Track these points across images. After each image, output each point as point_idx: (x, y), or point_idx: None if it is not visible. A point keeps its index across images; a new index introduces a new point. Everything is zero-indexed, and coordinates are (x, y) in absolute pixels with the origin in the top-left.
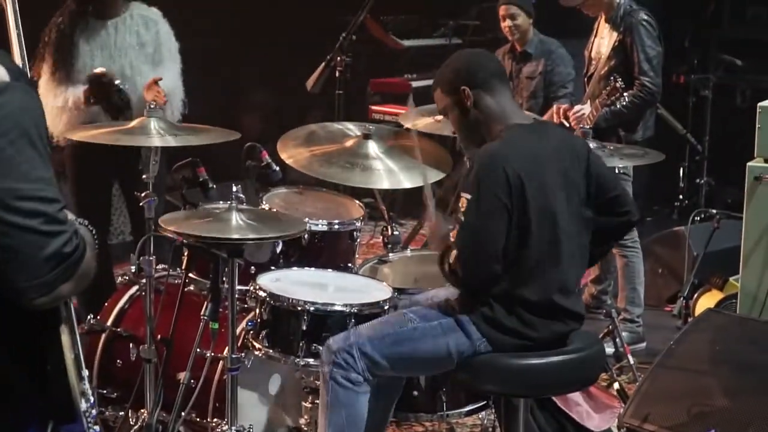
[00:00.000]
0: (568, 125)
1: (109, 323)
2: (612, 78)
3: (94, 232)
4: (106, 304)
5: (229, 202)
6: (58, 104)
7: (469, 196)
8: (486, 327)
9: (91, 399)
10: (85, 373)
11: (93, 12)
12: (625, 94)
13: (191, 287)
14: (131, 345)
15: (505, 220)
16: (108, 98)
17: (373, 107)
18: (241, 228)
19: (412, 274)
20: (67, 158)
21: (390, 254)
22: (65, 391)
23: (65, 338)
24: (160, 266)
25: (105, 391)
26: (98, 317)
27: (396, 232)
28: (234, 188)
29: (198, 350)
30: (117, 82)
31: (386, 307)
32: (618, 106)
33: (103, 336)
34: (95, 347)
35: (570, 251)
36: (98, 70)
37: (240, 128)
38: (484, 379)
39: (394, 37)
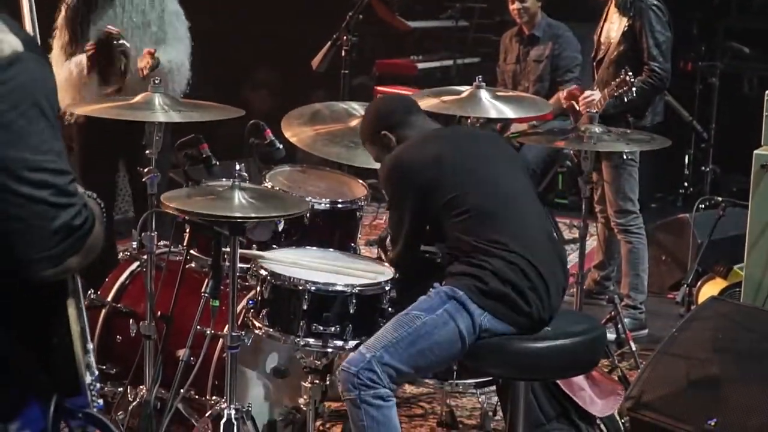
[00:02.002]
0: (575, 109)
1: (109, 299)
2: (623, 71)
3: (102, 205)
4: (107, 279)
5: (231, 180)
6: (62, 76)
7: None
8: (481, 298)
9: (96, 372)
10: (90, 346)
11: None
12: (634, 88)
13: (192, 264)
14: (131, 321)
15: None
16: (110, 58)
17: (378, 88)
18: (243, 207)
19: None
20: (75, 133)
21: None
22: (70, 364)
23: (72, 311)
24: (161, 243)
25: (104, 367)
26: (99, 292)
27: None
28: (237, 166)
29: (198, 327)
30: (122, 41)
31: (387, 288)
32: (629, 95)
33: (103, 311)
34: (95, 322)
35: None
36: (109, 28)
37: (244, 106)
38: (487, 363)
39: (400, 18)
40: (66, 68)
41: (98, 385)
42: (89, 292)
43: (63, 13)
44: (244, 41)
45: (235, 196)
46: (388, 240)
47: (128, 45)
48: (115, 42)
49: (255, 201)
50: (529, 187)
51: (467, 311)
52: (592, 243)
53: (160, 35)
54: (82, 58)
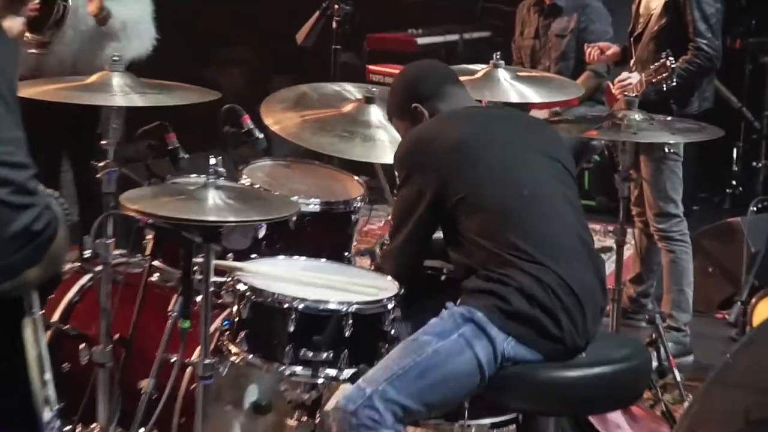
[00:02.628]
0: (610, 92)
1: (54, 319)
2: (664, 54)
3: (66, 206)
4: (51, 296)
5: (205, 177)
6: None
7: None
8: (504, 320)
9: (56, 407)
10: (48, 376)
11: None
12: (675, 75)
13: (155, 278)
14: (82, 346)
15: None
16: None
17: (372, 67)
18: (218, 209)
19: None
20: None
21: None
22: (24, 393)
23: (28, 332)
24: (117, 252)
25: None
26: (42, 312)
27: None
28: (212, 160)
29: (164, 354)
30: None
31: (390, 307)
32: (670, 83)
33: (48, 334)
34: None
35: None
36: None
37: (216, 87)
38: (509, 395)
39: None
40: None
41: (58, 422)
42: None
43: None
44: (217, 12)
45: (209, 195)
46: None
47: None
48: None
49: (233, 202)
50: (567, 186)
51: (487, 336)
52: (627, 252)
53: None
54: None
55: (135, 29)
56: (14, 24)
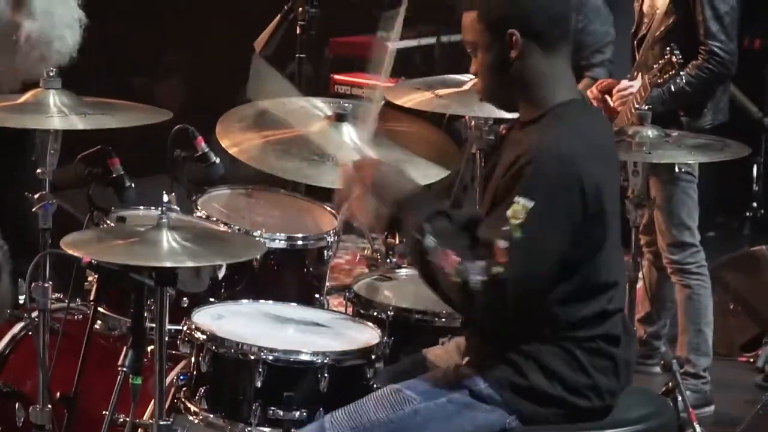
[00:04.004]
0: (607, 104)
1: None
2: (668, 49)
3: (5, 248)
4: None
5: (157, 217)
6: None
7: (528, 203)
8: (514, 397)
9: None
10: None
11: None
12: (682, 72)
13: (98, 326)
14: (17, 405)
15: (570, 240)
16: None
17: (337, 77)
18: (175, 252)
19: (424, 296)
20: None
21: (399, 270)
22: None
23: None
24: (54, 296)
25: None
26: None
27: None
28: (165, 197)
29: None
30: None
31: (373, 357)
32: (678, 84)
33: None
34: None
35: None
36: None
37: (165, 105)
38: None
39: None
40: None
41: None
42: None
43: None
44: (163, 17)
45: (162, 237)
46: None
47: None
48: None
49: (189, 244)
50: None
51: (485, 407)
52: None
53: None
54: None
55: (36, 39)
56: None
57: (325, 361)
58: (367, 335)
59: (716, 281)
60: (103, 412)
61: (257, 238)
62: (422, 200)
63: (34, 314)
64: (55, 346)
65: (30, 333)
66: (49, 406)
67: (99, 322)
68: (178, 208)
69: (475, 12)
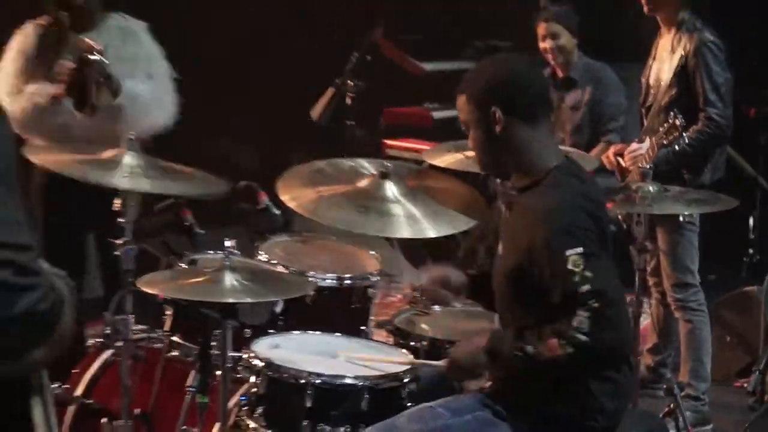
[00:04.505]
0: (620, 165)
1: (77, 393)
2: (672, 114)
3: (73, 286)
4: (74, 370)
5: (221, 260)
6: (17, 107)
7: (578, 250)
8: (529, 417)
9: None
10: None
11: (69, 24)
12: (685, 134)
13: (175, 353)
14: (103, 421)
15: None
16: (85, 86)
17: (388, 142)
18: (236, 290)
19: (457, 329)
20: (35, 192)
21: (434, 306)
22: None
23: (37, 413)
24: (138, 327)
25: None
26: (65, 386)
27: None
28: (227, 242)
29: (183, 428)
30: (101, 58)
31: (406, 380)
32: (681, 145)
33: (71, 409)
34: (60, 422)
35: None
36: (89, 41)
37: (232, 161)
38: None
39: (412, 59)
40: (24, 99)
41: None
42: (53, 386)
43: (21, 40)
44: (232, 88)
45: (225, 277)
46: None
47: (107, 63)
48: (92, 58)
49: (248, 283)
50: None
51: (504, 429)
52: (644, 322)
53: (130, 70)
54: (45, 87)
55: (142, 106)
56: (41, 90)
57: (365, 383)
58: (402, 361)
59: (715, 317)
60: (183, 427)
61: (309, 278)
62: (497, 343)
63: (118, 343)
64: (137, 370)
65: (117, 359)
66: (130, 422)
67: (176, 350)
68: (239, 252)
69: (464, 94)
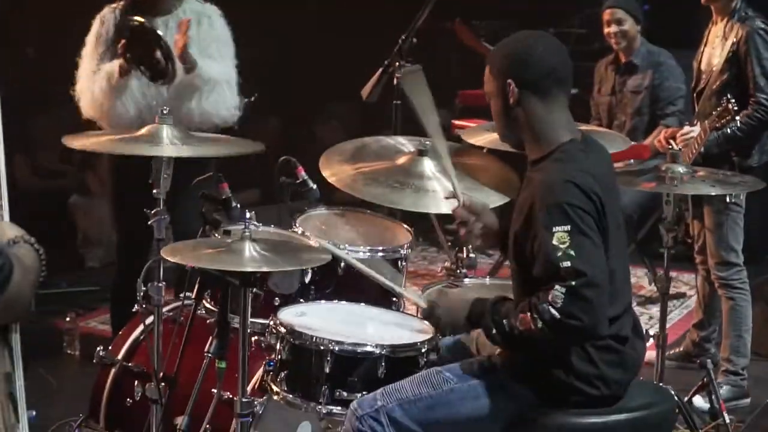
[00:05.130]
0: (675, 148)
1: (120, 356)
2: (725, 99)
3: (41, 252)
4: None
5: (241, 231)
6: (95, 90)
7: (565, 227)
8: (533, 384)
9: None
10: (27, 415)
11: (144, 8)
12: (737, 118)
13: (209, 319)
14: (136, 382)
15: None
16: (148, 54)
17: (456, 122)
18: (254, 260)
19: None
20: (107, 172)
21: (465, 279)
22: None
23: None
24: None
25: None
26: (109, 348)
27: (472, 255)
28: (248, 214)
29: (213, 392)
30: (159, 32)
31: (424, 350)
32: (732, 129)
33: (113, 371)
34: (104, 383)
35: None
36: (137, 18)
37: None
38: None
39: (486, 44)
40: (97, 81)
41: None
42: (98, 349)
43: (98, 27)
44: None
45: (245, 247)
46: None
47: (161, 34)
48: (143, 28)
49: (267, 253)
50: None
51: (508, 392)
52: (691, 301)
53: (207, 52)
54: (111, 66)
55: (217, 91)
56: (112, 67)
57: (383, 352)
58: (422, 331)
59: (761, 293)
60: (213, 390)
61: (326, 252)
62: (480, 308)
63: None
64: (180, 334)
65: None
66: (161, 384)
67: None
68: (260, 224)
69: (489, 65)
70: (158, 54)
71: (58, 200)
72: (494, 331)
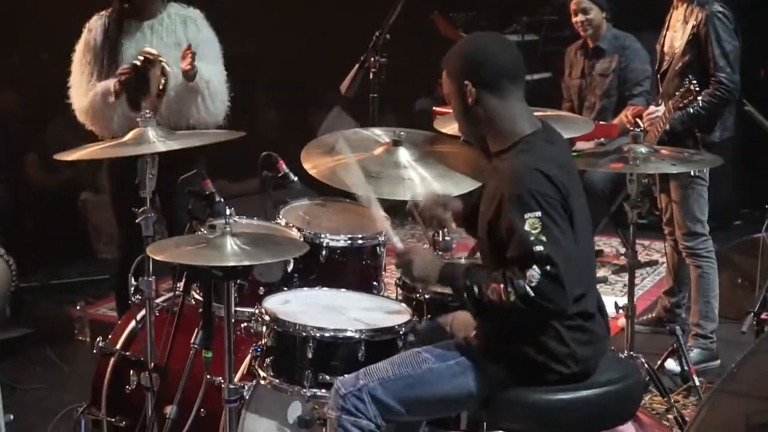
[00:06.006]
0: (640, 127)
1: (118, 346)
2: (687, 80)
3: (11, 263)
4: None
5: (221, 227)
6: (86, 102)
7: (536, 214)
8: (508, 363)
9: None
10: (4, 419)
11: (130, 13)
12: (699, 98)
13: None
14: (132, 371)
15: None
16: (143, 81)
17: (438, 109)
18: (235, 254)
19: None
20: (105, 174)
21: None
22: None
23: None
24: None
25: (114, 420)
26: (109, 338)
27: (447, 238)
28: (228, 210)
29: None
30: (162, 60)
31: (401, 332)
32: (695, 108)
33: (112, 360)
34: (104, 371)
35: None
36: (148, 50)
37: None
38: (501, 417)
39: (464, 34)
40: (92, 94)
41: None
42: (98, 339)
43: (86, 35)
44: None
45: (226, 242)
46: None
47: (167, 64)
48: (156, 61)
49: (247, 247)
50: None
51: (484, 371)
52: (663, 269)
53: (196, 55)
54: (109, 83)
55: (215, 89)
56: (107, 86)
57: (362, 336)
58: (401, 314)
59: (728, 260)
60: (207, 377)
61: (302, 244)
62: (453, 269)
63: (157, 301)
64: (172, 324)
65: (156, 315)
66: (154, 373)
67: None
68: (242, 217)
69: (445, 69)
70: (156, 85)
71: (69, 197)
72: (465, 294)
